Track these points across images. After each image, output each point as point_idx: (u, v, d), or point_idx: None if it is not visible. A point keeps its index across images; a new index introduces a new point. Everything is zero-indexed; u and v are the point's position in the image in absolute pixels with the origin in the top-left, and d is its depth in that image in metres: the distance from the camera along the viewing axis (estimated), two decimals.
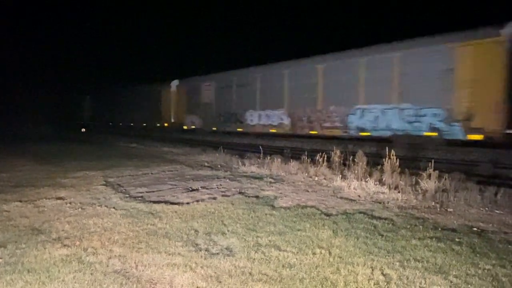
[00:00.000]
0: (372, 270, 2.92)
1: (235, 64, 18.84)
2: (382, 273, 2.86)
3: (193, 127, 20.41)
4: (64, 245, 3.41)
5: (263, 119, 15.69)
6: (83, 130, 30.40)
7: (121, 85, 30.04)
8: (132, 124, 26.23)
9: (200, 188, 6.09)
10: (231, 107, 17.46)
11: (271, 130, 15.34)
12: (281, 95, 14.78)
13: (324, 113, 13.10)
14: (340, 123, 12.50)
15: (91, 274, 2.82)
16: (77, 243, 3.47)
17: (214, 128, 18.65)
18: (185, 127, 20.99)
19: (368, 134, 11.65)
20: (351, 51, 12.45)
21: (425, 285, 2.68)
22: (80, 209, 4.69)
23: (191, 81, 20.92)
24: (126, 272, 2.87)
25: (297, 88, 14.14)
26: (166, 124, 22.42)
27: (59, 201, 5.11)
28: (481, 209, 4.76)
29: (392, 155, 6.18)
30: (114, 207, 4.78)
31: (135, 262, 3.05)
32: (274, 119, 15.18)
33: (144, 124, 24.51)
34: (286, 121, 14.64)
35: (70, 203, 5.01)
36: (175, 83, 21.90)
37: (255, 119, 16.10)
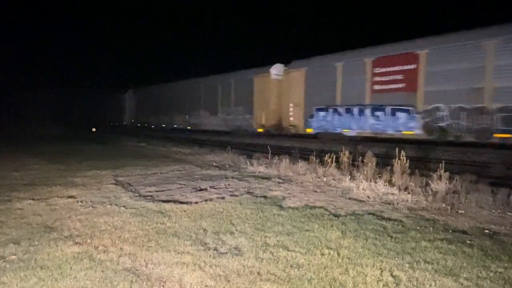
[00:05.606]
0: (381, 271, 2.90)
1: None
2: (391, 275, 2.84)
3: (316, 131, 13.96)
4: (76, 243, 3.47)
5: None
6: (94, 130, 30.46)
7: (185, 76, 24.53)
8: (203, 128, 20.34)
9: (208, 188, 6.12)
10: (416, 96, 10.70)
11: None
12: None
13: None
14: None
15: (102, 271, 2.87)
16: (88, 241, 3.53)
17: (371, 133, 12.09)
18: (309, 131, 14.32)
19: None
20: None
21: (435, 287, 2.66)
22: (91, 208, 4.76)
23: (315, 63, 14.08)
24: (136, 270, 2.91)
25: None
26: (262, 127, 16.23)
27: (70, 200, 5.19)
28: (493, 211, 4.68)
29: (402, 155, 6.13)
30: (124, 206, 4.84)
31: (145, 260, 3.08)
32: None
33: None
34: None
35: (81, 201, 5.09)
36: (277, 67, 15.62)
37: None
